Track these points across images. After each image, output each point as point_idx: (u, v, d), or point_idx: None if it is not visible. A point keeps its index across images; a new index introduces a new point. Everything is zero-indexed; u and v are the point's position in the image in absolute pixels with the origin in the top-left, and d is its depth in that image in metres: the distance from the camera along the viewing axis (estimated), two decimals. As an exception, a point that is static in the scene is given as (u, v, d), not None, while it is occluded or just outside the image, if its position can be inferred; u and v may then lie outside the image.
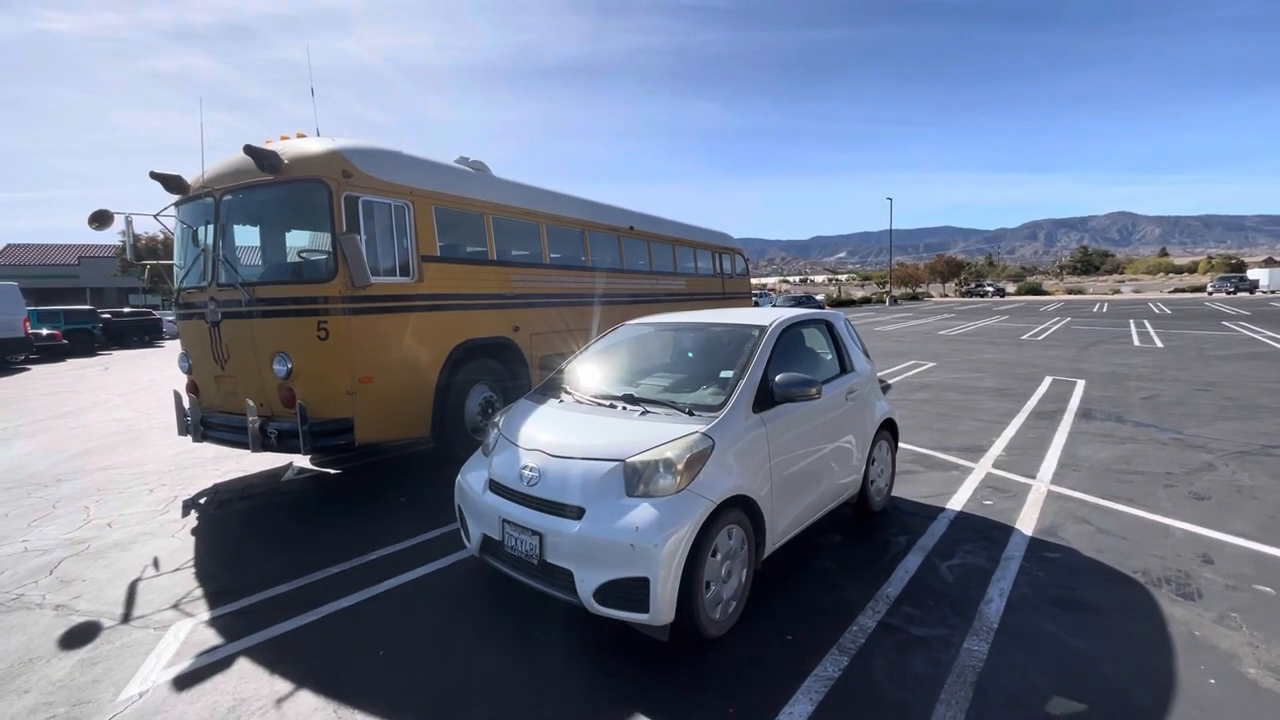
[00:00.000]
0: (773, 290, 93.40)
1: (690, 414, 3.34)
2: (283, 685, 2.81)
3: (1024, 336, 20.00)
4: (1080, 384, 10.45)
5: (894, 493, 5.15)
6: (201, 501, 5.52)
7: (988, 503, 4.93)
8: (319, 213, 5.12)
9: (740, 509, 3.21)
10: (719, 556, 3.06)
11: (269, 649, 3.10)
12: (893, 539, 4.27)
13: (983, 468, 5.84)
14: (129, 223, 5.85)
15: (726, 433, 3.21)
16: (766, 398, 3.48)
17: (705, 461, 3.05)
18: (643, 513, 2.88)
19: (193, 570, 4.07)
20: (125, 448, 7.66)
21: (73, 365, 19.25)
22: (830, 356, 4.46)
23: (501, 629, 3.27)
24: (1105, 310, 34.68)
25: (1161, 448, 6.37)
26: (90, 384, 14.31)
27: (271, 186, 5.21)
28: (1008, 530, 4.36)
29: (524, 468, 3.33)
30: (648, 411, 3.47)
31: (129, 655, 3.08)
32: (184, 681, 2.86)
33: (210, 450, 6.80)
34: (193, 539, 4.63)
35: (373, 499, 5.43)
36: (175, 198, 5.79)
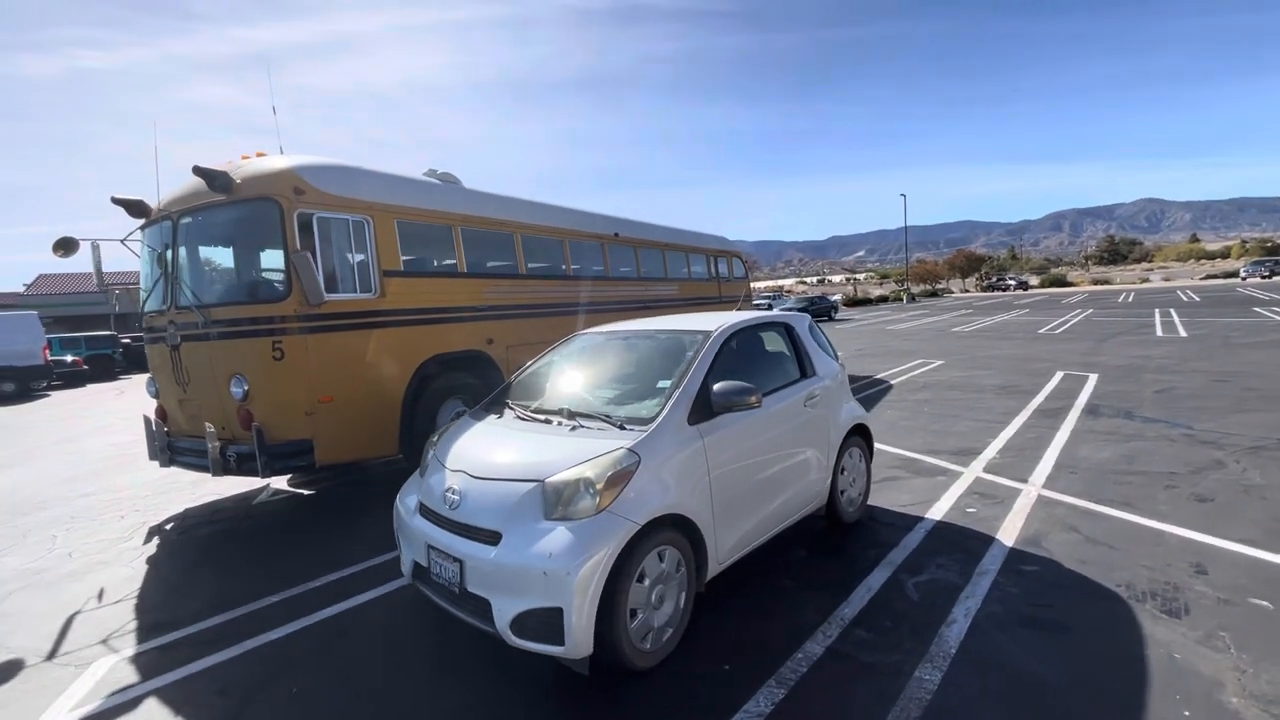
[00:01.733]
0: (789, 291, 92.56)
1: (622, 428, 3.15)
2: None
3: (1041, 331, 19.38)
4: (1092, 378, 9.99)
5: (872, 501, 4.89)
6: (167, 528, 5.46)
7: (971, 510, 4.64)
8: (271, 231, 5.05)
9: (675, 529, 3.01)
10: (646, 582, 2.85)
11: (180, 688, 2.97)
12: (861, 553, 4.01)
13: (972, 472, 5.53)
14: (95, 249, 5.84)
15: (656, 447, 3.01)
16: (705, 408, 3.27)
17: (630, 479, 2.85)
18: (557, 537, 2.69)
19: (134, 602, 3.97)
20: (112, 473, 7.68)
21: (91, 390, 19.68)
22: (789, 361, 4.23)
23: (422, 662, 3.09)
24: (1131, 300, 33.60)
25: (1169, 444, 5.99)
26: (102, 408, 14.56)
27: (224, 207, 5.16)
28: (987, 541, 4.07)
29: (446, 490, 3.17)
30: (579, 426, 3.28)
31: (39, 696, 2.97)
32: (94, 715, 2.74)
33: (191, 475, 6.76)
34: (145, 567, 4.55)
35: (339, 521, 5.32)
36: (140, 222, 5.78)
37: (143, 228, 5.79)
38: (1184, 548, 3.81)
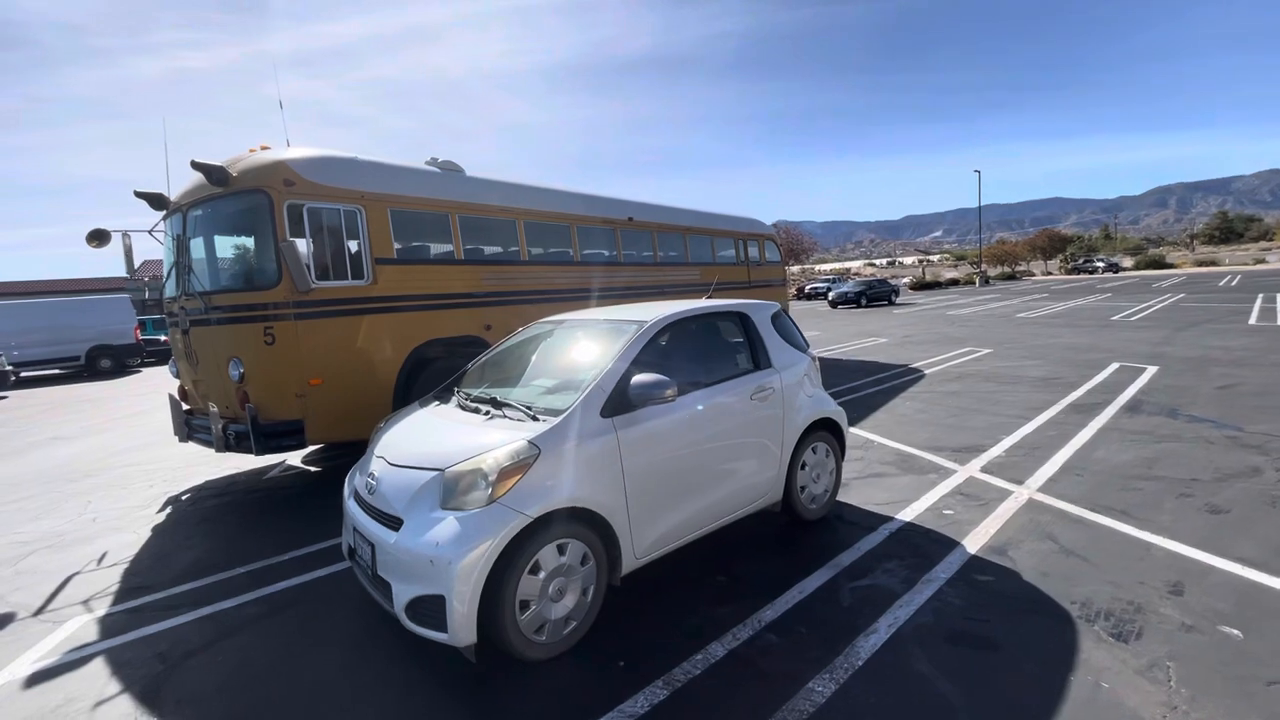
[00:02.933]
0: (856, 274, 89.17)
1: (535, 419, 3.14)
2: (113, 688, 2.89)
3: (1115, 317, 17.86)
4: (1150, 371, 9.14)
5: (847, 499, 4.68)
6: (183, 498, 5.91)
7: (948, 512, 4.36)
8: (263, 221, 5.29)
9: (580, 522, 2.98)
10: (542, 574, 2.84)
11: (127, 650, 3.22)
12: (810, 553, 3.85)
13: (968, 471, 5.19)
14: (126, 239, 6.32)
15: (559, 440, 2.98)
16: (622, 402, 3.21)
17: (526, 471, 2.84)
18: (446, 527, 2.72)
19: (125, 566, 4.33)
20: (160, 445, 8.36)
21: (175, 367, 21.48)
22: (740, 353, 4.07)
23: (344, 637, 3.22)
24: (1235, 284, 30.42)
25: (1206, 448, 5.41)
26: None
27: (223, 199, 5.45)
28: (950, 546, 3.82)
29: (368, 475, 3.27)
30: (498, 416, 3.30)
31: (13, 648, 3.30)
32: (38, 677, 3.02)
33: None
34: (148, 534, 4.94)
35: (334, 498, 5.59)
36: (161, 214, 6.19)
37: (163, 220, 6.20)
38: (1169, 564, 3.44)
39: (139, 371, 20.62)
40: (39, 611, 3.72)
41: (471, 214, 6.94)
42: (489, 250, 7.36)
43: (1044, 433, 6.21)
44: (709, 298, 4.81)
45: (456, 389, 4.01)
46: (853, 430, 6.77)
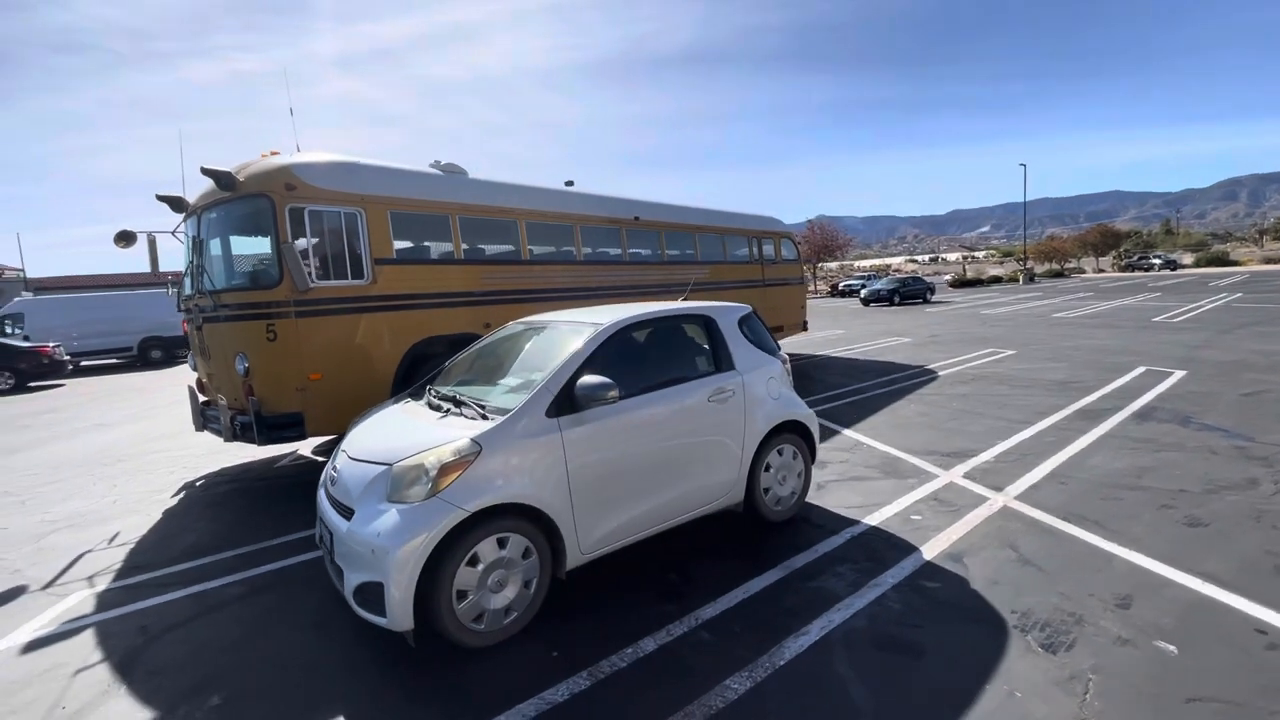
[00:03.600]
0: (896, 270, 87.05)
1: (484, 417, 3.28)
2: (95, 657, 3.17)
3: (1158, 319, 17.07)
4: (1176, 376, 8.76)
5: (819, 502, 4.69)
6: (198, 484, 6.29)
7: (916, 518, 4.33)
8: (266, 224, 5.58)
9: (522, 517, 3.11)
10: (480, 566, 2.98)
11: (115, 624, 3.50)
12: (766, 554, 3.89)
13: (950, 476, 5.13)
14: (151, 240, 6.73)
15: (502, 438, 3.11)
16: (569, 402, 3.32)
17: (467, 468, 2.99)
18: (388, 518, 2.89)
19: (132, 546, 4.67)
20: (190, 433, 8.85)
21: (220, 358, 22.57)
22: (701, 355, 4.13)
23: (307, 622, 3.42)
24: (1300, 282, 28.61)
25: (1207, 458, 5.21)
26: (217, 375, 16.70)
27: (231, 202, 5.77)
28: (907, 552, 3.81)
29: (332, 467, 3.46)
30: (452, 413, 3.46)
31: (18, 617, 3.62)
32: (34, 644, 3.32)
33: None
34: (159, 517, 5.30)
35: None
36: (181, 216, 6.58)
37: (183, 221, 6.59)
38: (1127, 576, 3.37)
39: (187, 361, 21.74)
40: (48, 585, 4.06)
41: (472, 215, 7.14)
42: (490, 250, 7.55)
43: (1042, 439, 6.06)
44: (685, 299, 4.88)
45: (429, 387, 4.18)
46: (845, 432, 6.74)
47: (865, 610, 3.18)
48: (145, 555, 4.47)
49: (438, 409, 3.62)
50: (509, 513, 3.07)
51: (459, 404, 3.55)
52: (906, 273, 69.75)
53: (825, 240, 50.06)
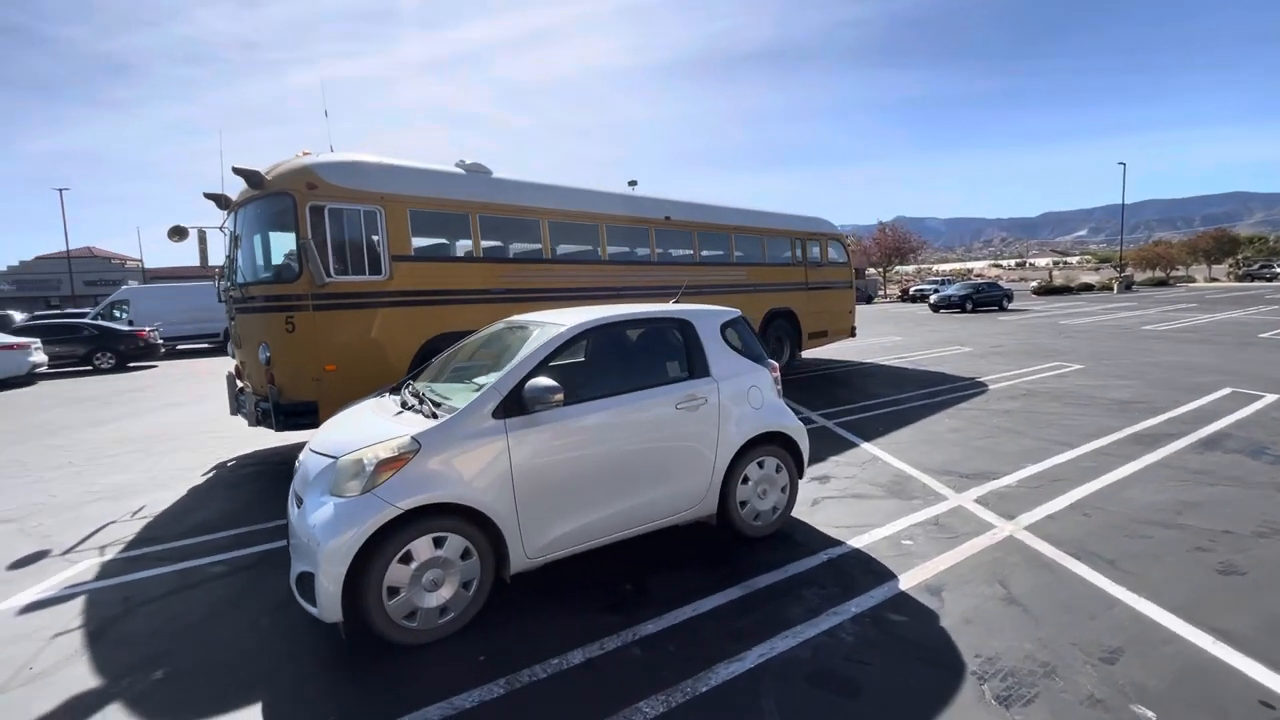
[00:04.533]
0: (977, 275, 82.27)
1: (433, 415, 3.29)
2: (75, 622, 3.40)
3: (1265, 334, 15.28)
4: (1266, 400, 7.79)
5: (809, 519, 4.46)
6: (229, 464, 6.70)
7: (907, 542, 4.02)
8: (289, 221, 5.86)
9: (461, 518, 3.10)
10: (414, 564, 2.99)
11: (106, 592, 3.75)
12: (732, 571, 3.71)
13: (960, 499, 4.74)
14: (201, 235, 7.22)
15: (442, 438, 3.10)
16: (517, 404, 3.27)
17: (404, 465, 3.00)
18: (325, 510, 2.94)
19: (150, 519, 5.01)
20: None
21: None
22: (674, 361, 3.99)
23: (266, 605, 3.53)
24: None
25: (1270, 497, 4.57)
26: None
27: (260, 200, 6.09)
28: (883, 580, 3.53)
29: (299, 460, 3.57)
30: (408, 410, 3.49)
31: (31, 579, 3.95)
32: (31, 606, 3.61)
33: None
34: (183, 493, 5.67)
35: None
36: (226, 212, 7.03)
37: (227, 217, 7.02)
38: (1125, 626, 2.98)
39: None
40: (67, 551, 4.42)
41: (493, 214, 7.25)
42: (511, 249, 7.64)
43: (1079, 464, 5.51)
44: (676, 301, 4.74)
45: (409, 380, 4.25)
46: (862, 445, 6.38)
47: (814, 640, 2.97)
48: (156, 529, 4.79)
49: (403, 405, 3.67)
50: (446, 512, 3.06)
51: (421, 401, 3.58)
52: (987, 278, 65.76)
53: (897, 243, 47.91)
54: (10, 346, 14.45)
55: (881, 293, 49.82)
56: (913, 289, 41.86)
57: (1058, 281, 50.95)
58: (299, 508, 3.14)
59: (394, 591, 2.96)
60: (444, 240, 7.09)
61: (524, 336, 3.88)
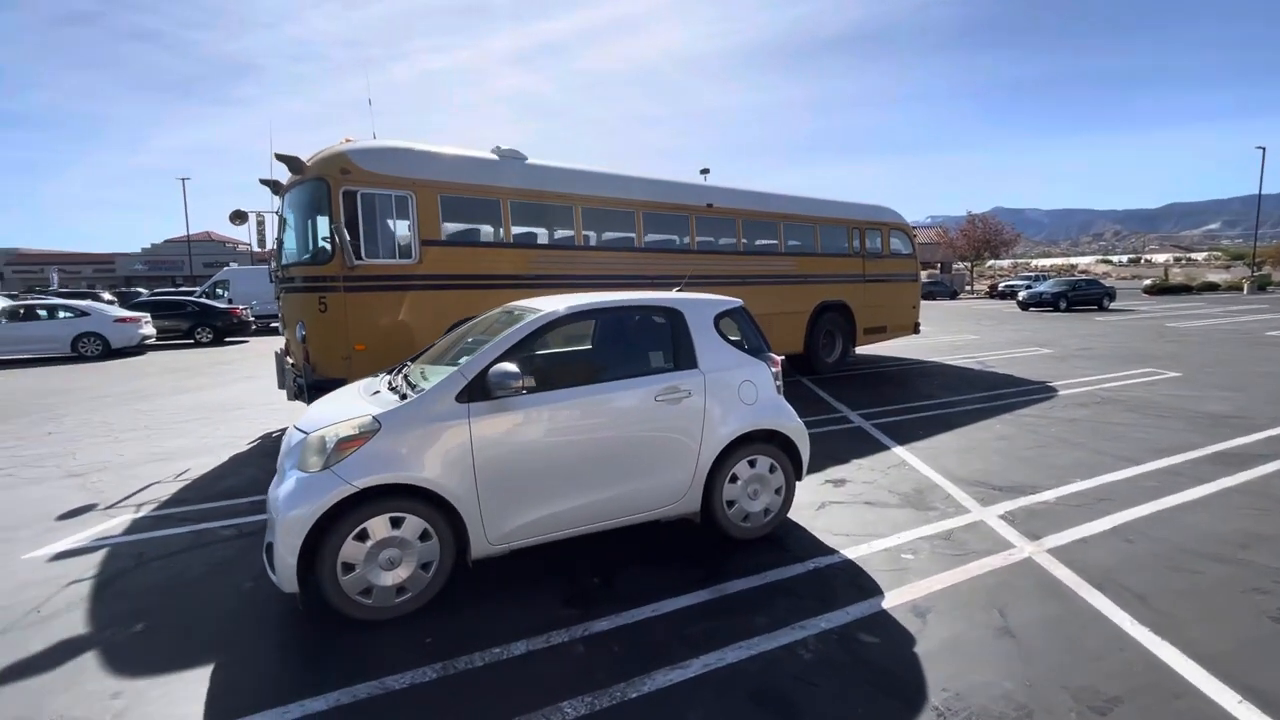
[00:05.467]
0: (1083, 271, 75.61)
1: (403, 396, 3.31)
2: (90, 573, 3.70)
3: None
4: (1399, 422, 6.66)
5: (809, 523, 4.23)
6: (274, 435, 7.13)
7: (907, 556, 3.70)
8: (324, 205, 6.12)
9: (420, 500, 3.11)
10: (369, 542, 3.02)
11: (125, 546, 4.07)
12: (709, 574, 3.55)
13: (983, 514, 4.32)
14: (259, 219, 7.70)
15: (403, 419, 3.12)
16: (482, 389, 3.24)
17: (363, 444, 3.04)
18: (289, 484, 3.03)
19: (189, 482, 5.40)
20: (301, 390, 10.11)
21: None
22: (659, 351, 3.82)
23: (259, 571, 3.70)
24: None
25: (1371, 535, 3.88)
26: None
27: (300, 185, 6.39)
28: (867, 596, 3.26)
29: (287, 434, 3.70)
30: (384, 391, 3.53)
31: (68, 531, 4.34)
32: (62, 555, 3.96)
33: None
34: (225, 459, 6.08)
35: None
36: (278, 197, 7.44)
37: (279, 202, 7.44)
38: (1134, 673, 2.59)
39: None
40: (110, 506, 4.83)
41: (525, 200, 7.28)
42: (542, 235, 7.66)
43: (1140, 482, 4.90)
44: (679, 291, 4.57)
45: (406, 361, 4.32)
46: (894, 449, 5.97)
47: (769, 654, 2.77)
48: (190, 491, 5.15)
49: (389, 386, 3.72)
50: (404, 493, 3.08)
51: (402, 381, 3.62)
52: (1092, 274, 60.33)
53: (987, 235, 44.67)
54: (125, 320, 16.08)
55: (968, 288, 46.77)
56: (1001, 285, 39.01)
57: (1176, 280, 45.93)
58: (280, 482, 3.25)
59: (349, 567, 3.01)
60: (475, 225, 7.19)
61: (507, 320, 3.85)
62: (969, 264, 47.87)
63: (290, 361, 6.67)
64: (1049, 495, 4.67)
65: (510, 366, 3.19)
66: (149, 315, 17.03)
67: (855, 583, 3.42)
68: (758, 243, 9.89)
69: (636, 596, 3.30)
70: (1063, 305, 26.50)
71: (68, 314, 15.75)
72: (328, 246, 6.17)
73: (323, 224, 6.31)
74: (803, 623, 3.01)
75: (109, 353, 15.53)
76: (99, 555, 3.94)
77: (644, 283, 8.12)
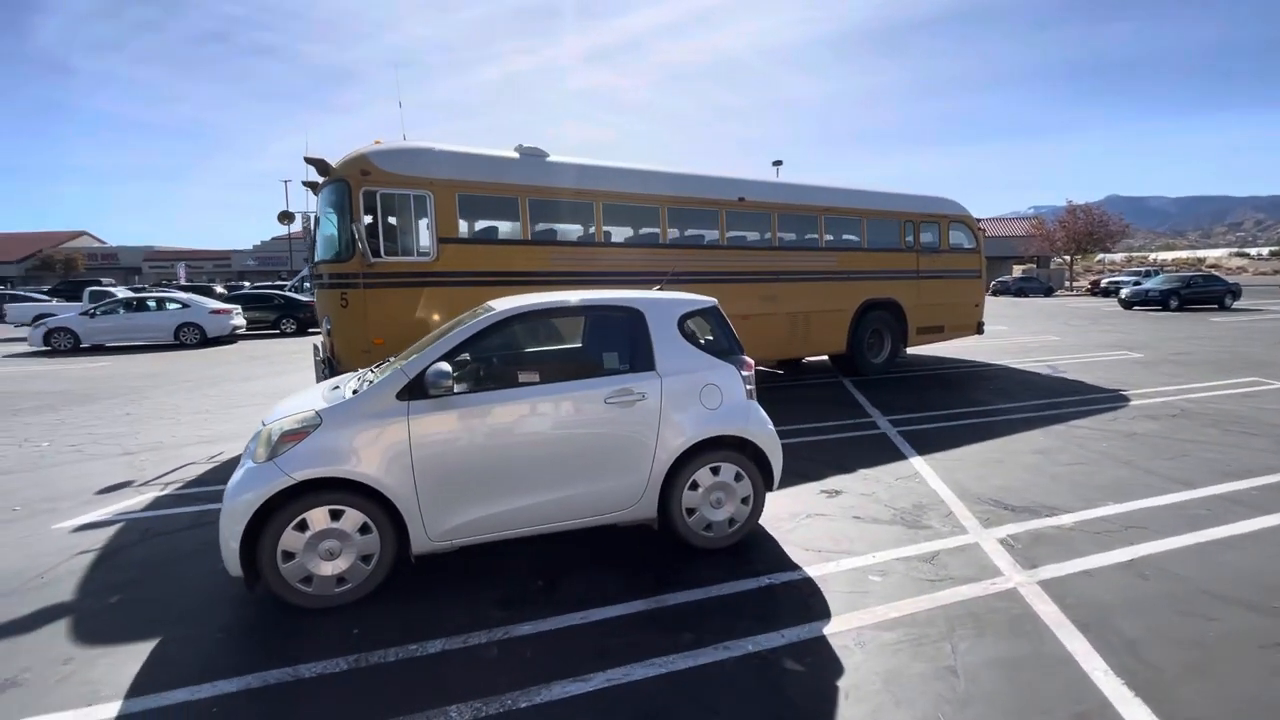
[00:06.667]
0: (1211, 266, 67.78)
1: (355, 392, 3.41)
2: (99, 544, 4.06)
3: None
4: None
5: (785, 535, 4.01)
6: (311, 422, 7.58)
7: (874, 579, 3.43)
8: (346, 205, 6.41)
9: (359, 494, 3.19)
10: (309, 533, 3.13)
11: (138, 523, 4.44)
12: (657, 583, 3.43)
13: (980, 536, 3.94)
14: (305, 219, 8.19)
15: (344, 415, 3.21)
16: (420, 388, 3.27)
17: (304, 437, 3.15)
18: (238, 473, 3.20)
19: (217, 465, 5.84)
20: (353, 379, 10.71)
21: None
22: (613, 353, 3.72)
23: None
24: None
25: None
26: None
27: (327, 186, 6.73)
28: (810, 619, 3.04)
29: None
30: (341, 387, 3.65)
31: (101, 504, 4.79)
32: (84, 526, 4.37)
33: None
34: (257, 445, 6.52)
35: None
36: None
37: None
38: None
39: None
40: (143, 484, 5.30)
41: (543, 197, 7.33)
42: (562, 231, 7.68)
43: (1187, 509, 4.31)
44: (660, 289, 4.45)
45: (391, 359, 4.45)
46: (910, 460, 5.57)
47: (677, 674, 2.64)
48: (216, 474, 5.56)
49: (358, 382, 3.84)
50: (344, 487, 3.17)
51: (363, 377, 3.73)
52: (1214, 269, 53.89)
53: (1089, 227, 40.76)
54: (219, 311, 17.64)
55: (1067, 285, 43.00)
56: (1104, 281, 35.56)
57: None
58: (242, 469, 3.44)
59: (289, 555, 3.13)
60: (493, 223, 7.32)
61: (463, 318, 3.87)
62: (1069, 258, 43.96)
63: (320, 354, 7.06)
64: (1067, 519, 4.19)
65: (444, 366, 3.20)
66: (240, 307, 18.60)
67: (805, 603, 3.20)
68: (795, 237, 9.50)
69: (573, 602, 3.25)
70: (1173, 304, 23.83)
71: (175, 305, 17.47)
72: (350, 245, 6.47)
73: (343, 223, 6.61)
74: (729, 643, 2.85)
75: (205, 341, 17.08)
76: (113, 529, 4.33)
77: (669, 280, 7.99)
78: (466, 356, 3.57)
